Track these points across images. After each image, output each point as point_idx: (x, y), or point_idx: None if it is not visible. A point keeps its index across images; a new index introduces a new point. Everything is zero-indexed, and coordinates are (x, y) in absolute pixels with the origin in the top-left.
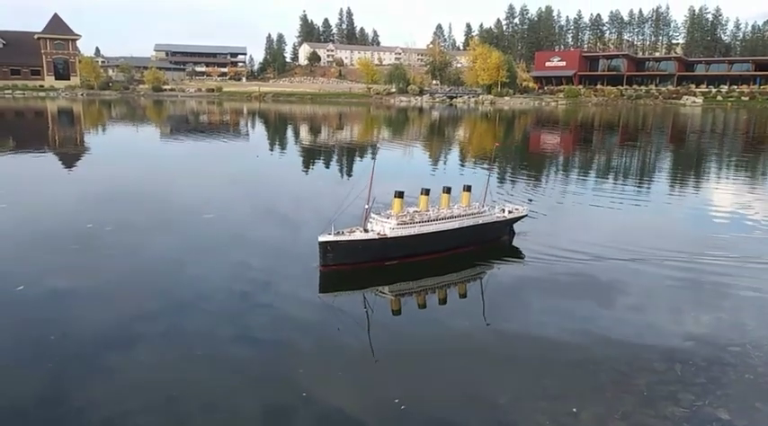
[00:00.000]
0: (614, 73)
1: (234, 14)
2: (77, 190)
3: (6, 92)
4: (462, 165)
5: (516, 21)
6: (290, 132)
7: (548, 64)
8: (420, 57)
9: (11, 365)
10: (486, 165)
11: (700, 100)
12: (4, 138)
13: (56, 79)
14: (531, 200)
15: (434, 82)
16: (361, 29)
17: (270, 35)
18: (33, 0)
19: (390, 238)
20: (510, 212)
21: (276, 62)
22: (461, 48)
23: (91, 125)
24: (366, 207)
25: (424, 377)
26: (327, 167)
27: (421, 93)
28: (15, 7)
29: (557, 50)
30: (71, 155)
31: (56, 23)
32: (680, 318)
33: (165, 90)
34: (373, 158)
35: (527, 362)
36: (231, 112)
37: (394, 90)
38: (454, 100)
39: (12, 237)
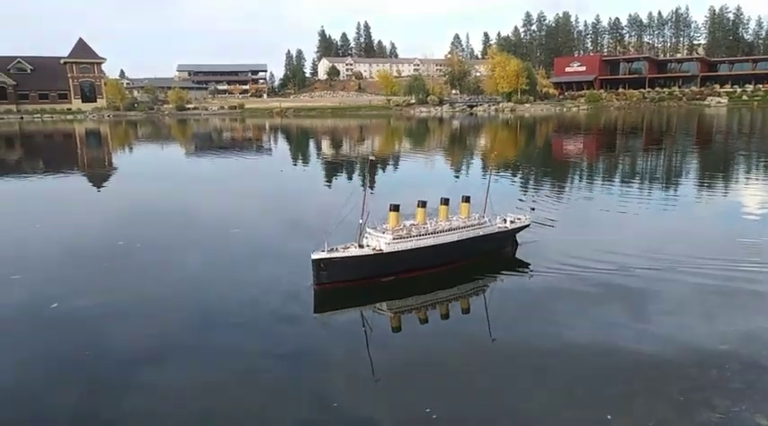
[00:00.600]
0: (636, 76)
1: (254, 33)
2: (107, 209)
3: (36, 116)
4: (477, 174)
5: (534, 27)
6: (311, 146)
7: (567, 69)
8: (438, 67)
9: (47, 381)
10: (486, 174)
11: (725, 100)
12: (34, 161)
13: (83, 102)
14: (533, 209)
15: (454, 91)
16: (379, 42)
17: (289, 51)
18: (59, 26)
19: (386, 253)
20: (512, 222)
21: (296, 77)
22: (480, 56)
23: (118, 145)
24: (360, 221)
25: (434, 393)
26: (350, 179)
27: (441, 103)
28: (41, 34)
29: (576, 55)
30: (100, 175)
31: (81, 48)
32: (711, 324)
33: (189, 109)
34: (367, 171)
35: (550, 373)
36: (254, 129)
37: (413, 101)
38: (474, 108)
39: (46, 255)
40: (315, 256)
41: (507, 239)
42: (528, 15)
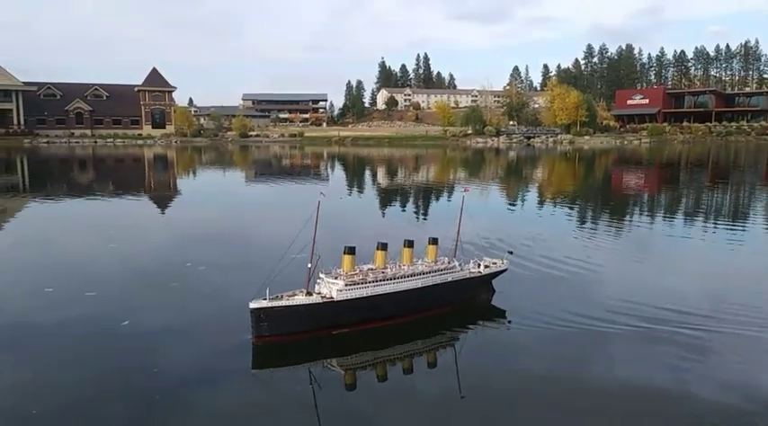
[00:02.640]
0: (701, 109)
1: (316, 64)
2: (174, 231)
3: (108, 140)
4: (526, 210)
5: (595, 60)
6: (368, 174)
7: (629, 102)
8: (497, 98)
9: (114, 395)
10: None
11: None
12: (105, 183)
13: (153, 128)
14: (511, 252)
15: (511, 122)
16: (438, 73)
17: (349, 82)
18: (135, 56)
19: (337, 302)
20: (486, 266)
21: (355, 107)
22: (538, 88)
23: (183, 170)
24: (309, 266)
25: None
26: (403, 209)
27: (498, 133)
28: (119, 64)
29: (639, 88)
30: (166, 197)
31: (154, 77)
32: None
33: (251, 136)
34: (317, 209)
35: None
36: (312, 156)
37: (470, 131)
38: (532, 140)
39: (120, 274)
40: (253, 305)
41: (481, 286)
42: (589, 47)
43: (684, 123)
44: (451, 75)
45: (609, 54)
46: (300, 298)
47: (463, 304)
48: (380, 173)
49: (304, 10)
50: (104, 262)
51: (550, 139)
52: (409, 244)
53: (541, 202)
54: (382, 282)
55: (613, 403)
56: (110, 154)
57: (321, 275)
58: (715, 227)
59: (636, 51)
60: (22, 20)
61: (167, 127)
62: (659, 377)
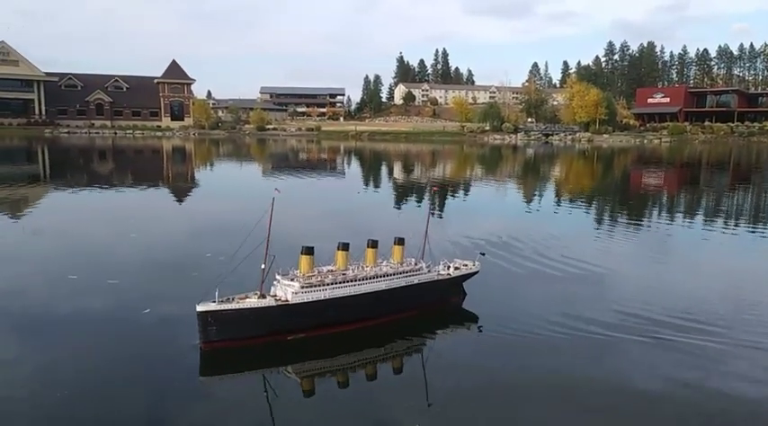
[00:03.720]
0: (724, 109)
1: (334, 58)
2: (193, 222)
3: (128, 131)
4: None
5: (616, 57)
6: (384, 170)
7: (650, 100)
8: (515, 95)
9: (134, 381)
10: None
11: None
12: (124, 174)
13: (171, 120)
14: (483, 254)
15: (529, 119)
16: (456, 68)
17: (367, 76)
18: (154, 49)
19: (292, 305)
20: (457, 268)
21: (372, 102)
22: (558, 85)
23: (201, 162)
24: (263, 266)
25: None
26: (419, 203)
27: (515, 130)
28: (139, 56)
29: (660, 86)
30: (184, 189)
31: (173, 69)
32: None
33: (268, 129)
34: (271, 206)
35: None
36: (329, 150)
37: (488, 128)
38: (550, 137)
39: (141, 264)
40: (201, 308)
41: (451, 289)
42: (610, 44)
43: (706, 123)
44: (470, 71)
45: (630, 51)
46: (252, 301)
47: (431, 308)
48: (395, 168)
49: (323, 3)
50: (126, 251)
51: (569, 137)
52: (373, 244)
53: (550, 201)
54: (342, 284)
55: (589, 414)
56: (129, 145)
57: (277, 277)
58: (735, 230)
59: (658, 49)
60: (45, 10)
61: (186, 119)
62: (643, 386)
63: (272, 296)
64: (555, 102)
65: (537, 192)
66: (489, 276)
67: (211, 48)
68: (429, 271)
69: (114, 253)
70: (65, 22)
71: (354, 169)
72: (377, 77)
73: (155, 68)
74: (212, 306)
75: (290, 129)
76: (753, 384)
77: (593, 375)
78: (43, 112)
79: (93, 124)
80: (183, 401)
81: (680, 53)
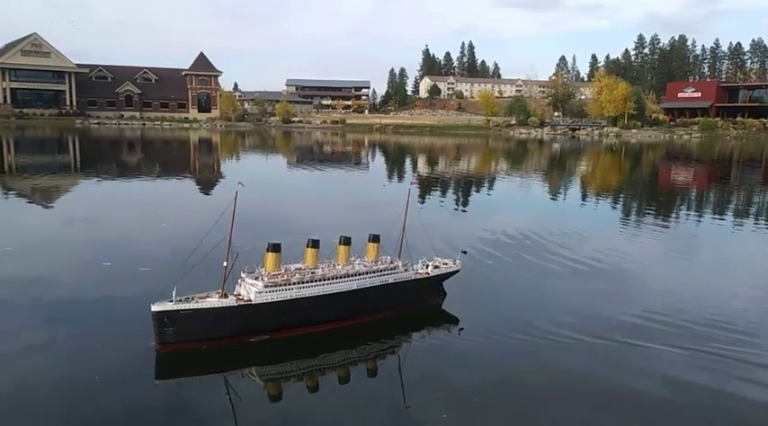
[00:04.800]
0: (757, 104)
1: (359, 51)
2: (221, 213)
3: (156, 123)
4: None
5: (646, 51)
6: (408, 163)
7: (680, 95)
8: (542, 88)
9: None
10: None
11: None
12: (152, 164)
13: (198, 112)
14: (465, 252)
15: (556, 114)
16: (482, 62)
17: (393, 69)
18: (182, 41)
19: (256, 305)
20: (436, 267)
21: (398, 95)
22: (585, 79)
23: (227, 153)
24: (225, 264)
25: None
26: (443, 198)
27: (542, 124)
28: (166, 48)
29: (691, 81)
30: (209, 180)
31: (201, 61)
32: None
33: (294, 122)
34: (234, 200)
35: None
36: (353, 143)
37: (514, 122)
38: (577, 132)
39: (171, 252)
40: (156, 308)
41: (429, 289)
42: (641, 37)
43: (738, 118)
44: (496, 64)
45: (661, 45)
46: (212, 301)
47: (408, 309)
48: (419, 161)
49: None
50: (156, 239)
51: (596, 132)
52: (346, 241)
53: (564, 196)
54: (310, 284)
55: (574, 420)
56: (157, 136)
57: (243, 275)
58: (767, 230)
59: (689, 42)
60: (75, 3)
61: (212, 111)
62: (637, 390)
63: (236, 295)
64: (582, 96)
65: (559, 188)
66: (474, 275)
67: (239, 41)
68: (406, 270)
69: (145, 242)
70: (95, 14)
71: (379, 162)
72: (402, 70)
73: (183, 61)
74: (168, 306)
75: (315, 122)
76: None
77: (577, 380)
78: (74, 103)
79: (123, 115)
80: (135, 405)
81: (712, 47)
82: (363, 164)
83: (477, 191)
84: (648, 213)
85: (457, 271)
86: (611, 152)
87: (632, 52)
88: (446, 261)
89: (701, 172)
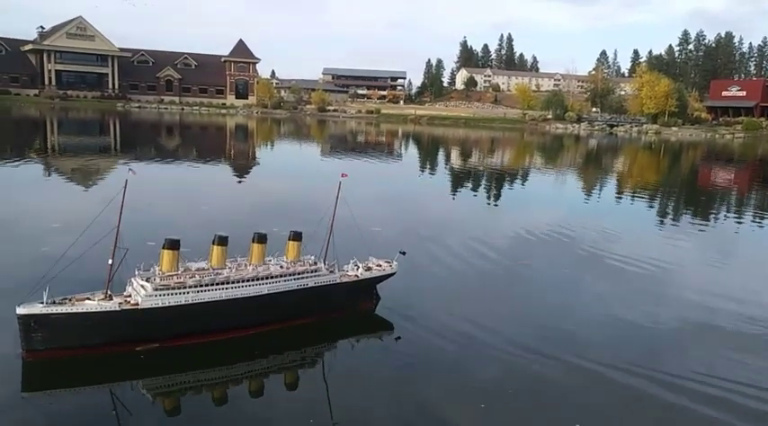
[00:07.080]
0: None
1: (396, 41)
2: (259, 198)
3: (195, 108)
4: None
5: (691, 47)
6: (441, 155)
7: (725, 93)
8: (580, 83)
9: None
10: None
11: None
12: (190, 149)
13: (236, 98)
14: (403, 253)
15: (594, 109)
16: (521, 55)
17: (429, 60)
18: (221, 28)
19: (143, 310)
20: (368, 269)
21: (433, 86)
22: (626, 75)
23: (262, 140)
24: (110, 262)
25: None
26: (475, 191)
27: (579, 120)
28: (206, 35)
29: (736, 79)
30: (244, 166)
31: (240, 48)
32: None
33: (329, 110)
34: (124, 189)
35: None
36: (387, 134)
37: (550, 116)
38: (615, 128)
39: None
40: (21, 311)
41: (359, 293)
42: (685, 33)
43: None
44: (534, 58)
45: (706, 41)
46: (91, 304)
47: (333, 314)
48: (453, 153)
49: None
50: (198, 222)
51: (635, 129)
52: (260, 238)
53: (575, 193)
54: (210, 287)
55: None
56: (195, 121)
57: (136, 274)
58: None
59: (736, 40)
60: None
61: (250, 97)
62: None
63: (125, 296)
64: (622, 92)
65: (596, 184)
66: (415, 278)
67: (279, 29)
68: (331, 272)
69: (187, 224)
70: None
71: (412, 153)
72: (439, 62)
73: (222, 47)
74: (37, 309)
75: (350, 111)
76: None
77: (521, 395)
78: (116, 87)
79: (163, 100)
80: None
81: (759, 45)
82: (396, 154)
83: (510, 186)
84: (688, 212)
85: (392, 274)
86: (649, 150)
87: (676, 48)
88: (381, 262)
89: (742, 173)
